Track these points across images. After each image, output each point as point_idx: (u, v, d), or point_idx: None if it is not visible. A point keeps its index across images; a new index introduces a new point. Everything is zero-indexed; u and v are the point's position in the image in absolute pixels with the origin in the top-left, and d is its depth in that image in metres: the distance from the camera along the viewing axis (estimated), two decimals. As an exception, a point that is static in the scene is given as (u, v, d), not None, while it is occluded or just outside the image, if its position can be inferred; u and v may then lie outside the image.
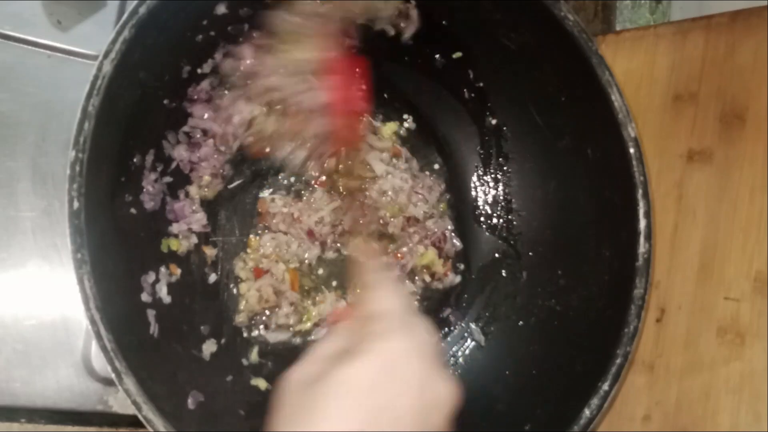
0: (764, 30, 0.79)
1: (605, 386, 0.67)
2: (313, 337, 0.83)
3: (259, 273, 0.82)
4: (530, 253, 0.87)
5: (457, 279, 0.89)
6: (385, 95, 0.89)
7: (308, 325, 0.83)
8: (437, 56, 0.87)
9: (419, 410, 0.42)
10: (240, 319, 0.81)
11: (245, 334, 0.81)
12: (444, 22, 0.83)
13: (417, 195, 0.89)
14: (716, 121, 0.81)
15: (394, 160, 0.89)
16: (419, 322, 0.48)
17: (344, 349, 0.45)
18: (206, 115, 0.78)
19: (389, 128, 0.89)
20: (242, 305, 0.81)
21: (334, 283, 0.86)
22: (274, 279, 0.82)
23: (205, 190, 0.81)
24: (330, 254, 0.86)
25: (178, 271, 0.77)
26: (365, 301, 0.51)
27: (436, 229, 0.89)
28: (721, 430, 0.73)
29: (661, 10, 1.14)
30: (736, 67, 0.81)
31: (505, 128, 0.88)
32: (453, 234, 0.90)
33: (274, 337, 0.81)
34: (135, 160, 0.72)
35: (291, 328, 0.82)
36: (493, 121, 0.89)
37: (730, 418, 0.73)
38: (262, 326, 0.82)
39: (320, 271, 0.86)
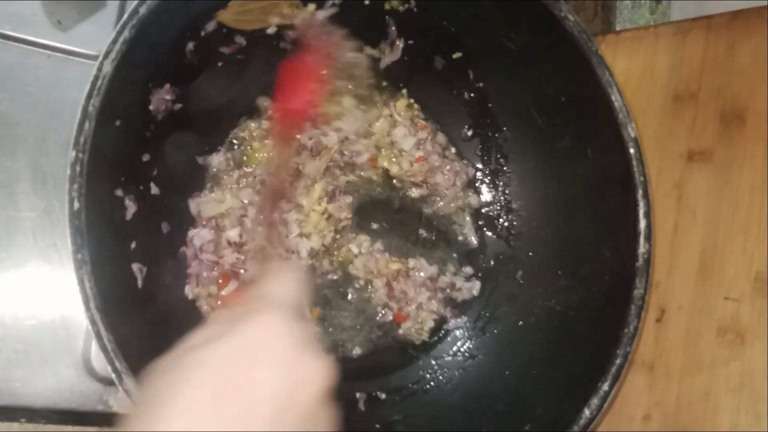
0: (764, 30, 0.79)
1: (605, 386, 0.67)
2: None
3: None
4: (530, 253, 0.87)
5: (477, 287, 0.88)
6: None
7: None
8: (437, 56, 0.87)
9: (281, 389, 0.40)
10: None
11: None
12: (444, 22, 0.83)
13: (443, 176, 0.88)
14: (716, 121, 0.81)
15: (420, 134, 0.89)
16: (297, 312, 0.46)
17: (217, 333, 0.42)
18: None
19: (401, 103, 0.89)
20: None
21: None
22: None
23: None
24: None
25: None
26: (255, 285, 0.49)
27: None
28: (721, 430, 0.73)
29: (661, 10, 1.14)
30: (736, 67, 0.81)
31: (505, 128, 0.88)
32: (471, 231, 0.90)
33: None
34: (135, 159, 0.72)
35: None
36: (493, 121, 0.89)
37: (730, 418, 0.73)
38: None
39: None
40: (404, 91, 0.89)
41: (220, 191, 0.82)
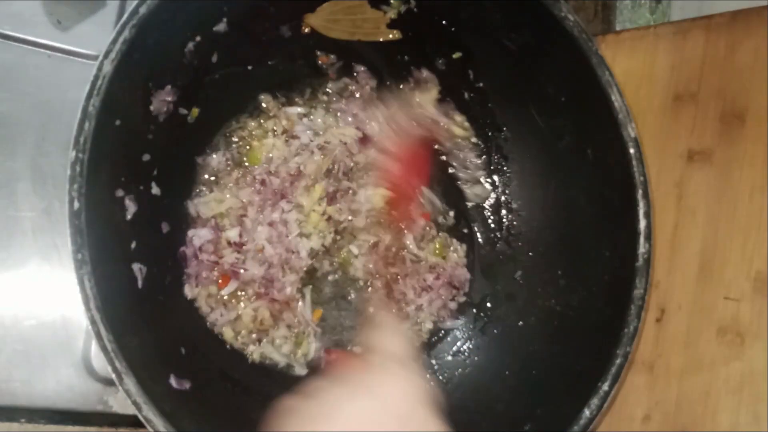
0: (764, 30, 0.79)
1: (605, 386, 0.67)
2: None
3: (259, 295, 0.81)
4: (530, 253, 0.87)
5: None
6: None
7: (303, 354, 0.81)
8: (437, 57, 0.87)
9: None
10: (227, 335, 0.79)
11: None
12: (444, 22, 0.83)
13: None
14: (716, 121, 0.81)
15: None
16: (415, 367, 0.56)
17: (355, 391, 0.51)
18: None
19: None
20: (233, 317, 0.80)
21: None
22: (274, 305, 0.81)
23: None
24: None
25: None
26: (371, 338, 0.59)
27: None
28: (721, 430, 0.73)
29: (661, 10, 1.14)
30: (736, 67, 0.81)
31: (505, 128, 0.88)
32: None
33: (269, 351, 0.80)
34: (135, 159, 0.72)
35: (284, 355, 0.81)
36: (493, 121, 0.89)
37: (730, 418, 0.73)
38: (255, 339, 0.81)
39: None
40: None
41: (219, 191, 0.82)
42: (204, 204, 0.81)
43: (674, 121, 0.84)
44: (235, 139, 0.84)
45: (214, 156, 0.83)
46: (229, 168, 0.83)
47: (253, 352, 0.80)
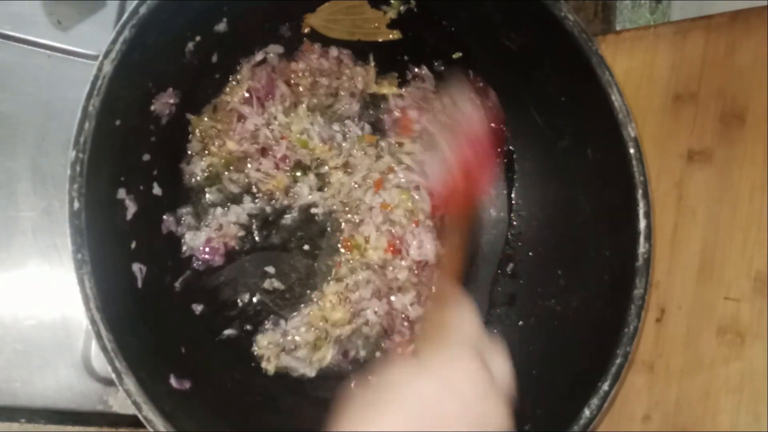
0: (764, 30, 0.79)
1: (605, 386, 0.67)
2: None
3: None
4: (530, 253, 0.87)
5: None
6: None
7: (318, 360, 0.81)
8: (437, 57, 0.87)
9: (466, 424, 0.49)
10: (270, 369, 0.79)
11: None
12: (444, 22, 0.83)
13: None
14: (716, 121, 0.81)
15: None
16: (489, 346, 0.56)
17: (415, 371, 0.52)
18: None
19: None
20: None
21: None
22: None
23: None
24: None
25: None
26: (439, 311, 0.57)
27: None
28: (721, 430, 0.73)
29: (661, 10, 1.14)
30: (736, 67, 0.81)
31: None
32: None
33: (287, 362, 0.80)
34: (136, 159, 0.72)
35: (300, 360, 0.81)
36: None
37: (730, 418, 0.73)
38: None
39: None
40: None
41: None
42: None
43: (674, 121, 0.84)
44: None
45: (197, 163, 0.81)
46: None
47: (269, 365, 0.79)
